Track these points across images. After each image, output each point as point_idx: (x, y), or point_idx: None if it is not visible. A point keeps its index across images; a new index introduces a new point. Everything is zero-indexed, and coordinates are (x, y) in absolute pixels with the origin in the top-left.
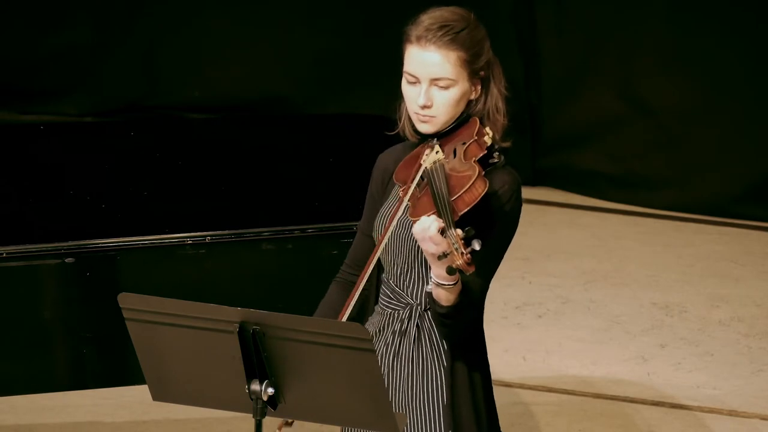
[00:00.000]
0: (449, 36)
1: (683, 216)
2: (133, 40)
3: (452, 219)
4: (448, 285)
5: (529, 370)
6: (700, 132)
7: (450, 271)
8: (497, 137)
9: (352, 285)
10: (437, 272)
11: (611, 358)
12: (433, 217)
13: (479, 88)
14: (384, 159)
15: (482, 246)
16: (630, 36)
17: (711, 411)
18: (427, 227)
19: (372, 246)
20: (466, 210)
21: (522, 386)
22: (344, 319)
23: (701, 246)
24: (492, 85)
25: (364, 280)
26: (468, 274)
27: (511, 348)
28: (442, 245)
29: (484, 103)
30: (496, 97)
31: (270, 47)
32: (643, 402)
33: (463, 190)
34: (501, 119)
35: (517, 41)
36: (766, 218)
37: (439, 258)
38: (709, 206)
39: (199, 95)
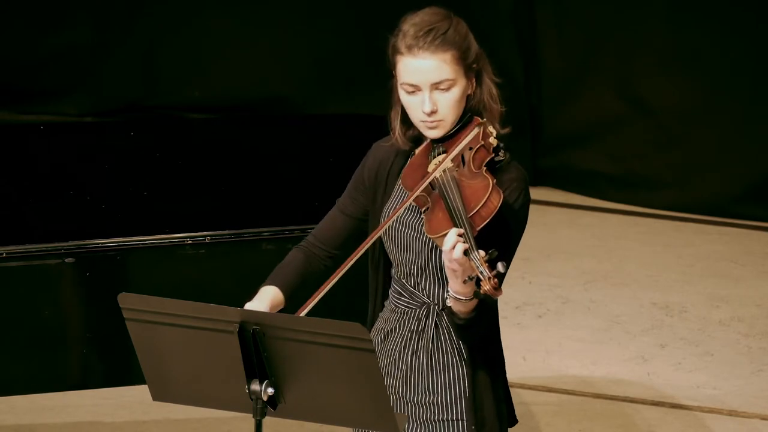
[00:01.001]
0: (439, 38)
1: (683, 216)
2: (133, 40)
3: (473, 237)
4: (465, 300)
5: (529, 370)
6: (700, 132)
7: (477, 294)
8: (497, 126)
9: (315, 258)
10: (456, 288)
11: (611, 358)
12: (460, 239)
13: (474, 81)
14: (381, 149)
15: (495, 248)
16: (630, 36)
17: (711, 411)
18: (453, 249)
19: (348, 225)
20: (483, 225)
21: (522, 386)
22: (310, 305)
23: (701, 246)
24: (484, 74)
25: (341, 274)
26: (496, 298)
27: (511, 348)
28: (466, 268)
29: (480, 94)
30: (489, 86)
31: (270, 47)
32: (643, 402)
33: (480, 205)
34: (497, 107)
35: (517, 41)
36: (766, 218)
37: (465, 282)
38: (709, 206)
39: (199, 95)
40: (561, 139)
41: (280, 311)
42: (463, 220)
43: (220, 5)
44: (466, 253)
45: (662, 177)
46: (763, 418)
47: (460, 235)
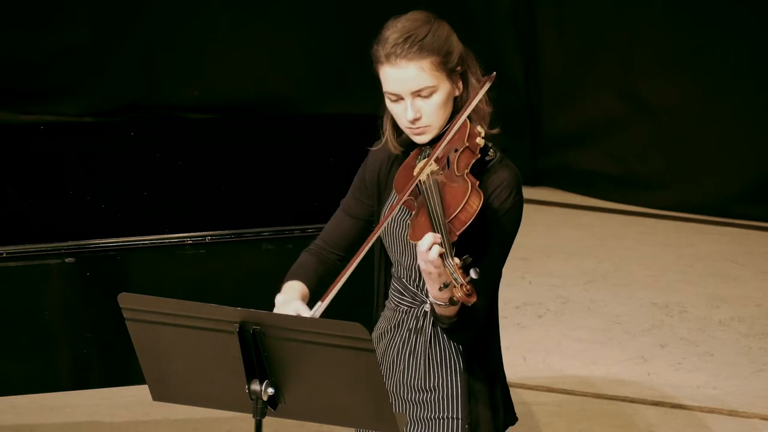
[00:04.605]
0: (416, 46)
1: (683, 216)
2: (133, 40)
3: (449, 243)
4: (445, 305)
5: (529, 370)
6: (700, 132)
7: (452, 302)
8: (485, 127)
9: (326, 260)
10: (433, 294)
11: (611, 358)
12: (435, 243)
13: (461, 84)
14: (379, 152)
15: (485, 250)
16: (630, 36)
17: (711, 411)
18: (428, 251)
19: (354, 227)
20: (463, 229)
21: (522, 386)
22: (327, 301)
23: (701, 246)
24: (470, 75)
25: (345, 277)
26: (469, 305)
27: (511, 348)
28: (441, 273)
29: (467, 96)
30: (476, 87)
31: (270, 47)
32: (643, 402)
33: (458, 209)
34: (484, 107)
35: (517, 41)
36: (766, 218)
37: (440, 289)
38: (709, 206)
39: (199, 95)
40: (561, 139)
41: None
42: (441, 226)
43: (219, 5)
44: (441, 257)
45: (662, 177)
46: (763, 418)
47: (438, 240)
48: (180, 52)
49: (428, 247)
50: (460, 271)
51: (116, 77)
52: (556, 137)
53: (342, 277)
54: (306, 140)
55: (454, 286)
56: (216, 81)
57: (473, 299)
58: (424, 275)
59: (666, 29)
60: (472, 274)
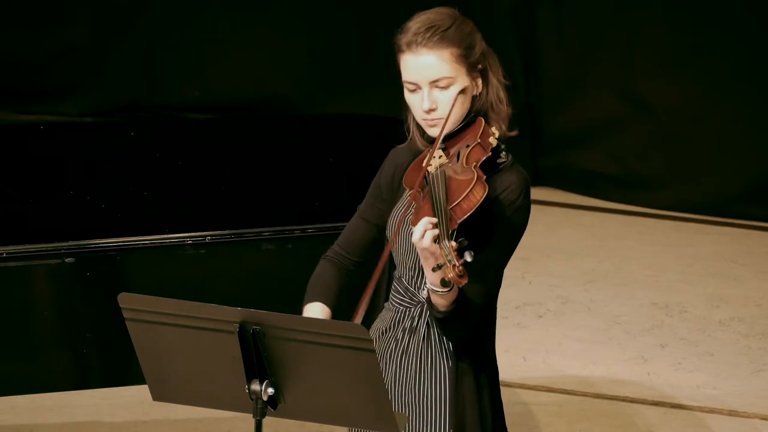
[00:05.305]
0: (438, 35)
1: (683, 216)
2: (133, 40)
3: (448, 228)
4: (442, 291)
5: (529, 370)
6: (700, 132)
7: (443, 283)
8: (503, 128)
9: (343, 267)
10: (431, 279)
11: (611, 358)
12: (429, 226)
13: (480, 82)
14: (398, 154)
15: (487, 248)
16: (630, 36)
17: (711, 411)
18: (422, 237)
19: (369, 232)
20: (464, 217)
21: (522, 386)
22: (357, 321)
23: (701, 246)
24: (490, 75)
25: (374, 285)
26: (461, 286)
27: (511, 348)
28: (436, 256)
29: (486, 95)
30: (497, 87)
31: (270, 47)
32: (643, 402)
33: (461, 197)
34: (504, 108)
35: (517, 41)
36: (766, 218)
37: (434, 270)
38: (709, 206)
39: (199, 95)
40: (561, 139)
41: None
42: (442, 211)
43: (220, 5)
44: (437, 241)
45: (662, 177)
46: (763, 418)
47: (432, 224)
48: (180, 52)
49: (421, 233)
50: (455, 253)
51: (116, 77)
52: (556, 137)
53: (364, 300)
54: (306, 140)
55: (447, 267)
56: (216, 81)
57: (465, 281)
58: (421, 258)
59: (666, 29)
60: (467, 256)
